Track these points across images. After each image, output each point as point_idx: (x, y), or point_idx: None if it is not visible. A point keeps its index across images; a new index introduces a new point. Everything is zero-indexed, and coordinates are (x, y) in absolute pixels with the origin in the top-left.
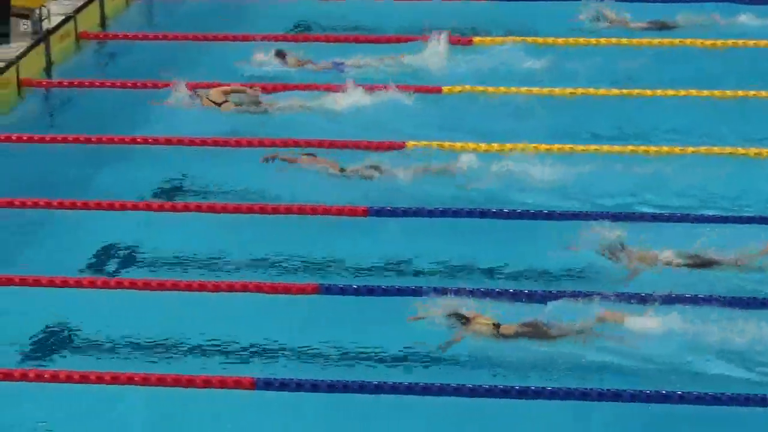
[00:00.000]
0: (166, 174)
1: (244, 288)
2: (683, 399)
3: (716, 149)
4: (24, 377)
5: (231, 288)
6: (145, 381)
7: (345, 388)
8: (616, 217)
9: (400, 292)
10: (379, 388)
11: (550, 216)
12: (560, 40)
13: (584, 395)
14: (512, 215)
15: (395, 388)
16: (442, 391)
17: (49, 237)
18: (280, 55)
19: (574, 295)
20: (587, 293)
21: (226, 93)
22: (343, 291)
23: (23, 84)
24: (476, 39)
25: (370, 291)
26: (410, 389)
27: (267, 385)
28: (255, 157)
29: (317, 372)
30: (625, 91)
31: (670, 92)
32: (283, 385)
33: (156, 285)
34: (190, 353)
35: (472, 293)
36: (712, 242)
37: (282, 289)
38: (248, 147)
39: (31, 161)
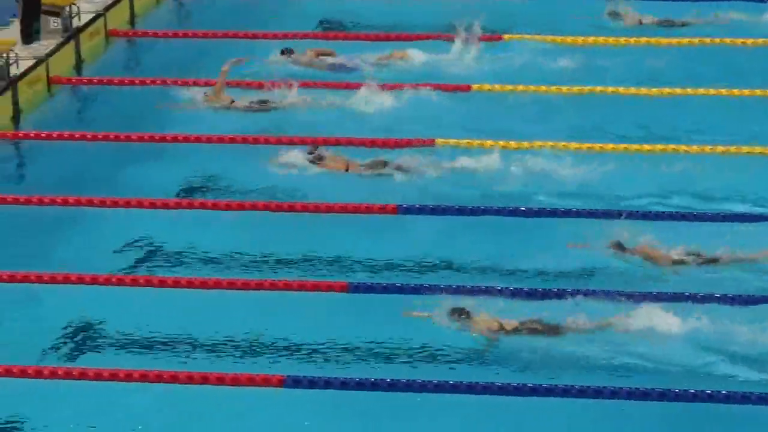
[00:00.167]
0: (194, 171)
1: (273, 286)
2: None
3: (745, 149)
4: (53, 375)
5: (260, 286)
6: (174, 379)
7: (373, 386)
8: (636, 215)
9: (430, 290)
10: (408, 386)
11: (578, 214)
12: (590, 39)
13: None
14: (542, 213)
15: (424, 386)
16: (470, 389)
17: (77, 234)
18: (287, 53)
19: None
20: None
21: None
22: (372, 289)
23: (53, 81)
24: (506, 36)
25: (400, 289)
26: (439, 387)
27: (296, 383)
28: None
29: (346, 370)
30: (654, 90)
31: (701, 90)
32: (312, 383)
33: (185, 282)
34: (218, 351)
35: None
36: (736, 241)
37: (311, 286)
38: (277, 145)
39: (60, 158)
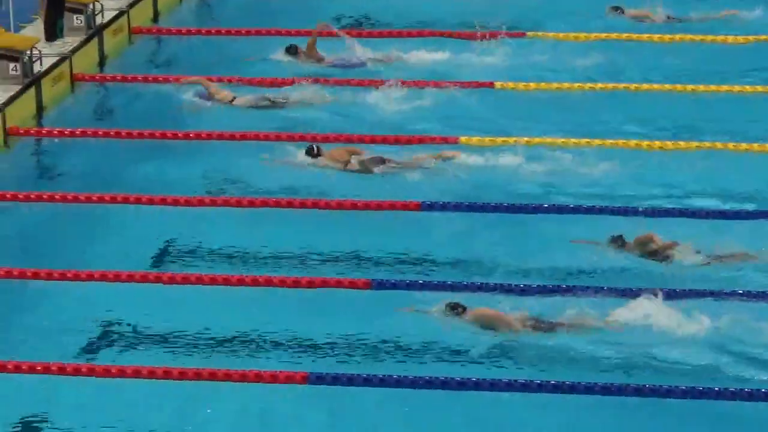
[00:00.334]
0: (217, 168)
1: (296, 284)
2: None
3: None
4: (77, 372)
5: (282, 283)
6: (197, 376)
7: (397, 382)
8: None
9: (453, 287)
10: (430, 383)
11: (602, 211)
12: (613, 35)
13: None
14: (565, 210)
15: (446, 383)
16: (493, 386)
17: (101, 231)
18: (291, 50)
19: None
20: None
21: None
22: (395, 286)
23: (76, 78)
24: (529, 33)
25: (423, 286)
26: (462, 385)
27: (319, 379)
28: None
29: (369, 366)
30: (678, 86)
31: (724, 88)
32: (335, 380)
33: (207, 280)
34: (241, 348)
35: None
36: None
37: (334, 284)
38: (301, 141)
39: (83, 155)
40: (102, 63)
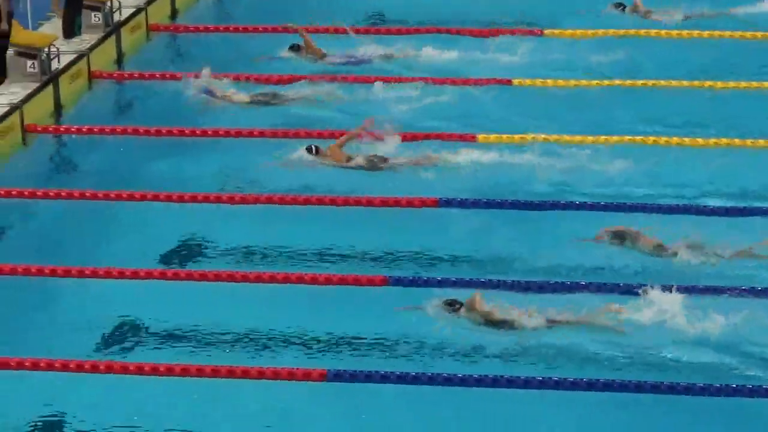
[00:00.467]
0: (234, 165)
1: (314, 280)
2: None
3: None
4: (95, 369)
5: (300, 280)
6: (214, 373)
7: (414, 379)
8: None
9: (470, 284)
10: (448, 381)
11: (619, 208)
12: (631, 32)
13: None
14: (583, 207)
15: (464, 381)
16: (510, 383)
17: (119, 228)
18: (294, 48)
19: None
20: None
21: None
22: (413, 282)
23: (94, 76)
24: (546, 30)
25: (440, 282)
26: (480, 381)
27: (336, 376)
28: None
29: (387, 363)
30: (695, 83)
31: (742, 84)
32: (353, 377)
33: (225, 277)
34: (258, 345)
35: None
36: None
37: (352, 280)
38: (319, 138)
39: (101, 153)
40: (120, 60)
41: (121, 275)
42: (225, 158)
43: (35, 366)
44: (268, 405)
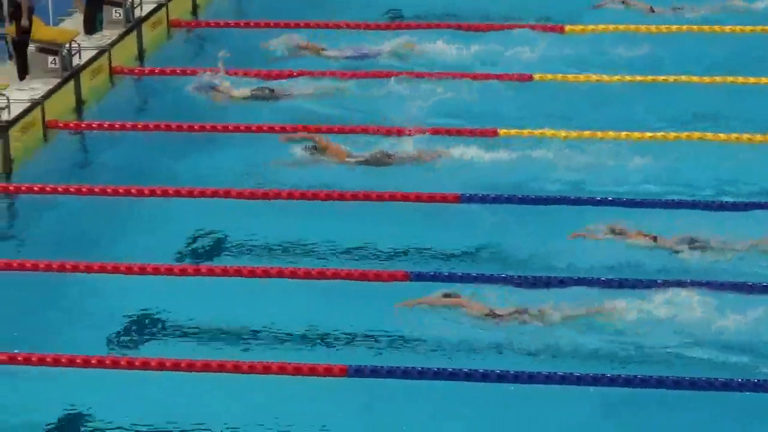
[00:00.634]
0: (256, 161)
1: (335, 275)
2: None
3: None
4: (115, 365)
5: (322, 275)
6: (236, 368)
7: (436, 375)
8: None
9: (491, 279)
10: (469, 376)
11: (641, 204)
12: (652, 28)
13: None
14: (603, 203)
15: (486, 376)
16: (532, 378)
17: (140, 224)
18: (298, 47)
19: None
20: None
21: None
22: (434, 278)
23: (115, 71)
24: (567, 27)
25: (462, 278)
26: (501, 377)
27: (357, 372)
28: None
29: (408, 359)
30: (717, 78)
31: (764, 80)
32: (374, 372)
33: (246, 272)
34: (279, 340)
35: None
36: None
37: (373, 276)
38: (339, 133)
39: (122, 148)
40: (141, 56)
41: (142, 271)
42: (248, 153)
43: (56, 362)
44: (290, 400)
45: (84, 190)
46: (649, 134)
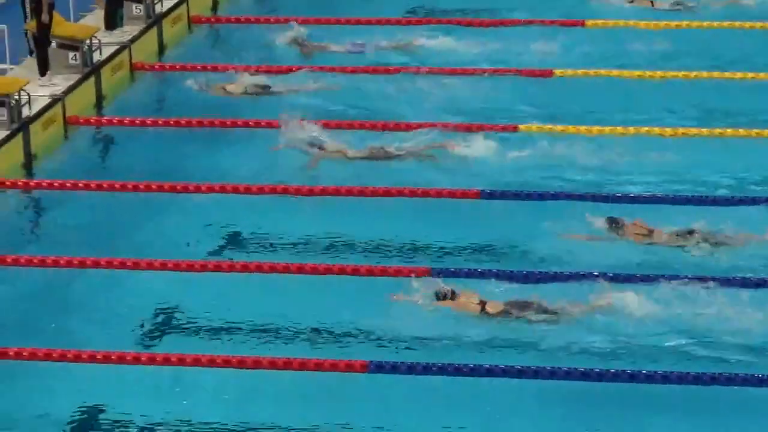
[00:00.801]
0: (277, 157)
1: (355, 272)
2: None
3: None
4: (136, 360)
5: (342, 271)
6: (256, 364)
7: (456, 371)
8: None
9: (512, 277)
10: (490, 372)
11: (663, 200)
12: (672, 24)
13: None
14: (623, 200)
15: (506, 372)
16: (552, 374)
17: (161, 220)
18: (299, 42)
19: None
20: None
21: None
22: (455, 274)
23: (135, 67)
24: (588, 21)
25: (482, 274)
26: (522, 373)
27: (378, 368)
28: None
29: (428, 355)
30: (737, 74)
31: None
32: (395, 368)
33: (267, 268)
34: (300, 336)
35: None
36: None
37: (393, 272)
38: (361, 129)
39: (144, 144)
40: (161, 52)
41: (163, 267)
42: (265, 149)
43: (77, 358)
44: (310, 395)
45: (104, 185)
46: (670, 130)
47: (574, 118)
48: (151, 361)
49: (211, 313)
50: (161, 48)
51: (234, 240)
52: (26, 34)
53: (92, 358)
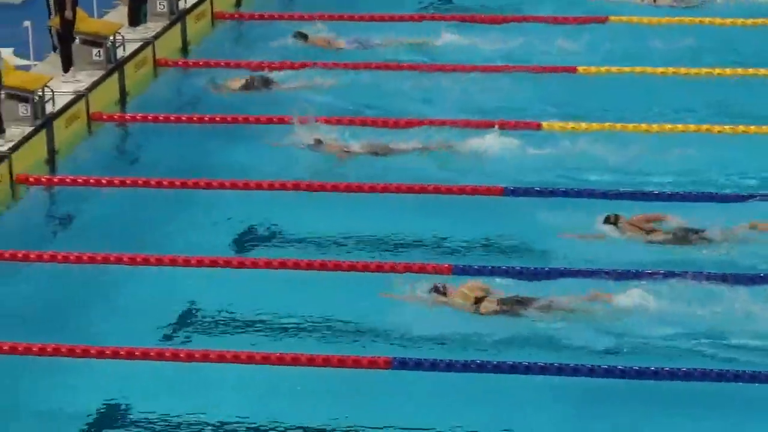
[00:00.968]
0: (301, 153)
1: (379, 268)
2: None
3: None
4: (160, 356)
5: (366, 268)
6: (280, 360)
7: (479, 368)
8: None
9: (536, 275)
10: (514, 369)
11: (686, 197)
12: (696, 20)
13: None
14: (649, 197)
15: (529, 369)
16: (576, 371)
17: (184, 216)
18: (301, 36)
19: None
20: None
21: None
22: (480, 272)
23: (159, 63)
24: (612, 17)
25: (505, 272)
26: (545, 369)
27: (402, 364)
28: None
29: (451, 352)
30: (762, 70)
31: None
32: (418, 365)
33: (291, 265)
34: (324, 333)
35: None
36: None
37: (417, 269)
38: (384, 127)
39: (167, 140)
40: (185, 48)
41: (186, 263)
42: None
43: (101, 354)
44: (334, 392)
45: (127, 182)
46: (693, 126)
47: (598, 115)
48: (175, 357)
49: (234, 310)
50: (185, 44)
51: (257, 236)
52: (50, 30)
53: (115, 354)
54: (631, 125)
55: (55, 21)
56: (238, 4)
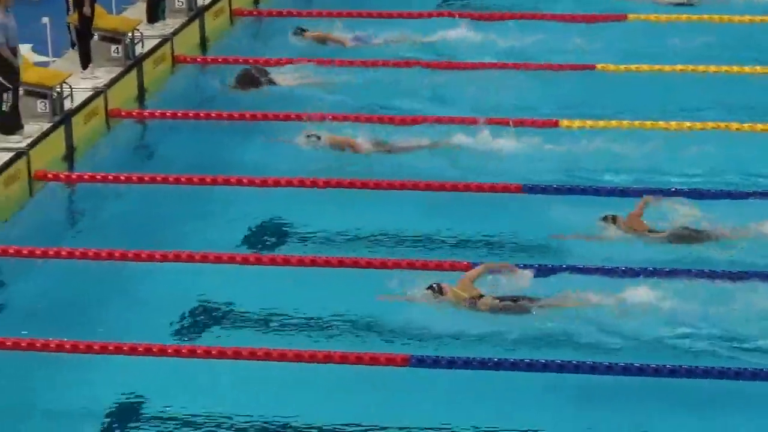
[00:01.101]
0: (319, 150)
1: (396, 265)
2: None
3: None
4: (177, 353)
5: (383, 265)
6: (297, 357)
7: (497, 365)
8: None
9: (552, 271)
10: (531, 366)
11: (705, 195)
12: (715, 17)
13: (560, 367)
14: (667, 194)
15: (546, 366)
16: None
17: (203, 213)
18: (299, 32)
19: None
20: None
21: None
22: (496, 270)
23: (177, 60)
24: (630, 15)
25: (524, 269)
26: (562, 367)
27: (420, 362)
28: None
29: (469, 349)
30: None
31: None
32: (436, 362)
33: (308, 261)
34: (341, 330)
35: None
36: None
37: (434, 266)
38: (402, 124)
39: (186, 137)
40: (203, 45)
41: (204, 259)
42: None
43: (118, 350)
44: (350, 389)
45: (146, 178)
46: (712, 124)
47: (616, 113)
48: (192, 353)
49: (251, 306)
50: (203, 41)
51: (275, 233)
52: (68, 26)
53: (133, 351)
54: (649, 123)
55: (73, 17)
56: (257, 1)
